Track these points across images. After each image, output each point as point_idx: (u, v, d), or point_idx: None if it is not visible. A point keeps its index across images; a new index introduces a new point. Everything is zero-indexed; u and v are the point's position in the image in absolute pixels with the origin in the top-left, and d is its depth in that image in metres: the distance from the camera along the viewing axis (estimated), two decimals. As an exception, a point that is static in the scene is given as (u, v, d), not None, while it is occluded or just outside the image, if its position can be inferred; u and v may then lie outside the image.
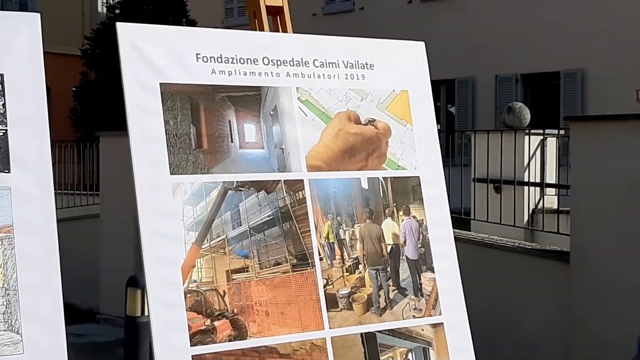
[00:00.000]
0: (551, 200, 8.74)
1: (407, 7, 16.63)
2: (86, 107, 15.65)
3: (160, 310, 2.40)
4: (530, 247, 7.85)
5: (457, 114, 15.72)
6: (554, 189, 8.78)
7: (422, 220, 2.86)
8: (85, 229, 10.62)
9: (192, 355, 2.40)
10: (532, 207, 8.65)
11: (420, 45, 3.00)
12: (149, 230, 2.43)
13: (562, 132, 8.92)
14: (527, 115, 8.97)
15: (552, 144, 8.83)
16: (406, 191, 2.86)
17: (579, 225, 7.11)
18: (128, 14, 15.14)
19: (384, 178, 2.83)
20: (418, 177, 2.88)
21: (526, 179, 8.59)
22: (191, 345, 2.41)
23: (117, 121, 11.60)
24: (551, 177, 8.77)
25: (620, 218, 6.74)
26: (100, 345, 8.60)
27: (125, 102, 2.47)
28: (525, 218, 8.59)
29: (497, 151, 8.50)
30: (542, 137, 8.70)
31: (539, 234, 8.34)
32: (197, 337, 2.42)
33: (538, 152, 8.72)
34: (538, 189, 8.62)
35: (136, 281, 6.15)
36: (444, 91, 15.45)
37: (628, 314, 6.61)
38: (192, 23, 15.44)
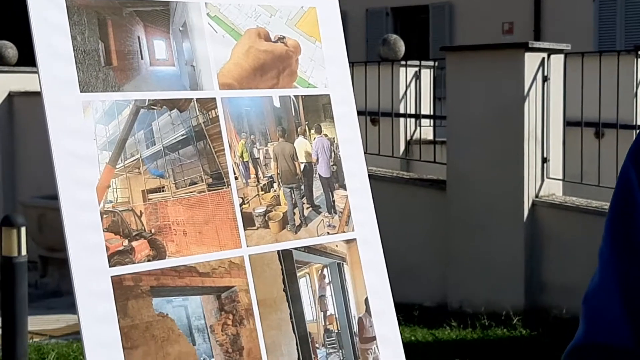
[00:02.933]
0: (427, 131, 8.99)
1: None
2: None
3: (77, 232, 2.33)
4: (408, 177, 8.07)
5: (328, 48, 15.74)
6: (429, 120, 9.02)
7: (334, 138, 2.88)
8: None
9: (112, 276, 2.35)
10: (408, 138, 8.88)
11: (326, -37, 2.98)
12: (61, 151, 2.34)
13: (436, 63, 9.13)
14: (401, 47, 9.14)
15: (426, 75, 9.05)
16: (317, 109, 2.87)
17: (454, 154, 7.37)
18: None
19: (295, 96, 2.83)
20: (328, 95, 2.89)
21: (402, 111, 8.79)
22: (110, 267, 2.36)
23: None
24: (426, 108, 9.00)
25: (492, 145, 7.03)
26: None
27: (30, 18, 2.35)
28: (402, 148, 8.81)
29: (374, 83, 8.63)
30: (417, 68, 8.89)
31: (415, 164, 8.59)
32: (116, 258, 2.37)
33: (413, 83, 8.92)
34: (414, 120, 8.85)
35: (11, 221, 5.97)
36: (315, 26, 15.42)
37: (500, 234, 6.94)
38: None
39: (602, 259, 1.04)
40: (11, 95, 9.82)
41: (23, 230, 5.87)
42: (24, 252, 5.85)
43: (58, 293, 8.13)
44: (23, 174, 9.67)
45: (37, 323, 6.81)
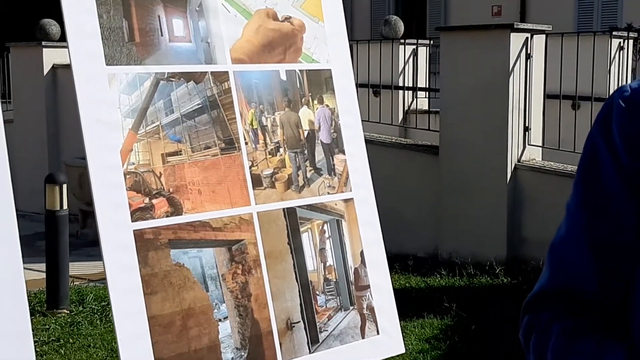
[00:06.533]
0: (422, 102, 8.90)
1: None
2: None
3: (103, 191, 2.31)
4: (405, 142, 8.00)
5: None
6: (425, 93, 8.92)
7: (334, 108, 2.83)
8: (-2, 134, 10.17)
9: (134, 230, 2.33)
10: (406, 108, 8.79)
11: (329, -51, 2.91)
12: (88, 118, 2.31)
13: (431, 42, 9.01)
14: (401, 27, 9.01)
15: (422, 52, 8.93)
16: (319, 82, 2.82)
17: (446, 123, 7.29)
18: None
19: (300, 70, 2.77)
20: (330, 69, 2.84)
21: (401, 84, 8.68)
22: (132, 221, 2.33)
23: (25, 33, 10.96)
24: (422, 82, 8.90)
25: (480, 115, 6.95)
26: (21, 239, 8.34)
27: (62, 1, 2.30)
28: (400, 117, 8.73)
29: (376, 59, 8.53)
30: (415, 46, 8.77)
31: (412, 131, 8.50)
32: (137, 213, 2.35)
33: (411, 60, 8.81)
34: (411, 92, 8.75)
35: (54, 178, 5.96)
36: (325, 7, 15.25)
37: (485, 194, 6.89)
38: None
39: (570, 212, 1.02)
40: (55, 68, 9.76)
41: (65, 187, 5.86)
42: (65, 206, 5.84)
43: (96, 242, 8.09)
44: (66, 137, 9.66)
45: (78, 268, 6.83)
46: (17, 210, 2.18)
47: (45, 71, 9.76)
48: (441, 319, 5.42)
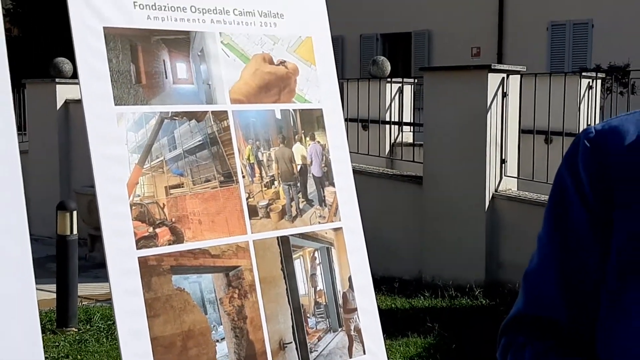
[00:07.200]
0: (407, 136, 8.95)
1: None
2: (11, 58, 14.78)
3: (110, 221, 2.32)
4: (391, 173, 8.04)
5: (329, 66, 15.71)
6: (410, 127, 8.98)
7: (325, 144, 2.86)
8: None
9: (138, 257, 2.34)
10: (392, 141, 8.83)
11: (321, 0, 2.96)
12: (98, 154, 2.33)
13: (416, 80, 9.08)
14: (388, 67, 9.08)
15: (407, 90, 9.00)
16: (312, 121, 2.85)
17: (429, 155, 7.33)
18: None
19: (293, 110, 2.80)
20: (321, 109, 2.87)
21: (388, 119, 8.74)
22: (137, 249, 2.34)
23: (39, 70, 11.00)
24: (407, 117, 8.95)
25: (461, 148, 6.99)
26: (33, 261, 8.31)
27: (74, 44, 2.33)
28: (387, 150, 8.77)
29: (365, 96, 8.59)
30: (400, 84, 8.84)
31: (398, 163, 8.54)
32: (142, 242, 2.36)
33: (397, 97, 8.87)
34: (397, 127, 8.80)
35: (65, 206, 5.95)
36: (318, 48, 15.38)
37: (466, 221, 6.91)
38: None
39: (541, 243, 1.03)
40: (67, 103, 9.79)
41: (75, 213, 5.86)
42: (75, 231, 5.83)
43: (103, 265, 8.05)
44: (76, 167, 9.65)
45: (86, 289, 6.80)
46: (30, 235, 2.20)
47: (58, 106, 9.79)
48: (424, 338, 5.41)
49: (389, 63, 9.07)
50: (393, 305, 6.37)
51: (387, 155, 8.69)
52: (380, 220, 7.43)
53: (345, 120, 9.60)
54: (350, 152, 9.41)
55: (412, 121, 9.01)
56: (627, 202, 0.92)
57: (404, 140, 8.79)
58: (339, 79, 3.02)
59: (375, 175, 7.86)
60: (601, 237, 0.95)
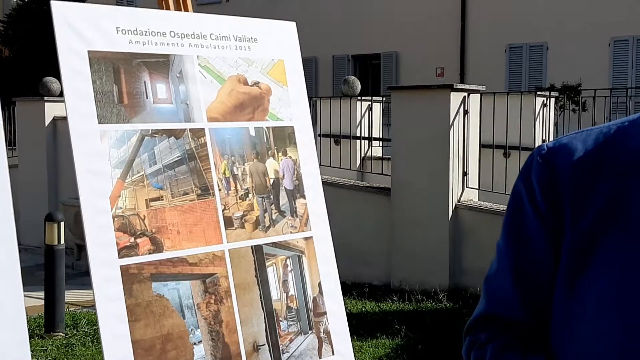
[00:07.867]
0: (377, 150, 9.00)
1: (263, 2, 16.42)
2: (2, 78, 14.66)
3: (94, 232, 2.32)
4: (361, 185, 8.08)
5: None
6: (379, 142, 9.04)
7: (296, 159, 2.88)
8: (4, 177, 10.03)
9: (120, 265, 2.34)
10: (362, 155, 8.88)
11: (292, 25, 2.99)
12: (82, 169, 2.33)
13: (384, 98, 9.15)
14: (358, 86, 9.14)
15: (377, 108, 9.06)
16: (284, 137, 2.87)
17: (397, 168, 7.38)
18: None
19: (267, 127, 2.83)
20: (292, 126, 2.90)
21: (358, 134, 8.79)
22: (119, 258, 2.35)
23: (29, 89, 10.89)
24: (376, 133, 9.01)
25: (426, 162, 7.06)
26: (23, 270, 8.20)
27: (60, 67, 2.34)
28: (357, 163, 8.82)
29: (337, 113, 8.63)
30: (370, 102, 8.91)
31: (368, 175, 8.59)
32: (124, 251, 2.36)
33: (367, 114, 8.93)
34: (367, 142, 8.85)
35: (52, 217, 5.90)
36: (293, 68, 15.41)
37: (430, 230, 6.97)
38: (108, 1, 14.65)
39: (499, 250, 1.07)
40: (55, 120, 9.72)
41: (62, 224, 5.81)
42: (62, 241, 5.79)
43: (89, 273, 8.00)
44: (64, 180, 9.57)
45: (73, 296, 6.74)
46: (19, 244, 2.19)
47: (47, 122, 9.72)
48: (393, 340, 5.44)
49: (359, 82, 9.13)
50: (363, 309, 6.39)
51: (357, 169, 8.74)
52: (352, 229, 7.46)
53: (319, 135, 9.57)
54: (323, 165, 9.39)
55: (381, 136, 9.07)
56: (574, 211, 0.96)
57: (373, 154, 8.84)
58: (312, 97, 3.06)
59: (347, 187, 7.90)
60: (553, 244, 0.98)
